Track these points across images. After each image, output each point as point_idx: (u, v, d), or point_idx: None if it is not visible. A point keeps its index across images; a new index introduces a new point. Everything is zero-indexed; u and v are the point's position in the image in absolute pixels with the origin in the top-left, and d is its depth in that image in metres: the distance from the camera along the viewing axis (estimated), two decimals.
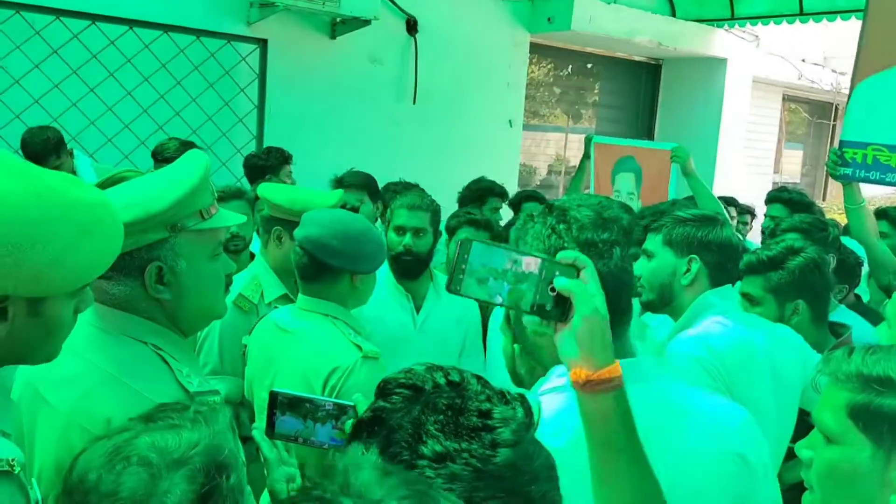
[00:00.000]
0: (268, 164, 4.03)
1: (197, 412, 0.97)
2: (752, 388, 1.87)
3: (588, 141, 4.56)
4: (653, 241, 2.04)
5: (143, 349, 1.29)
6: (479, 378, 0.85)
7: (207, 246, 1.35)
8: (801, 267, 2.17)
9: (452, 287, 1.03)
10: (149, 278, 1.28)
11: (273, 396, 1.25)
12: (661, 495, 1.06)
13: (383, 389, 0.83)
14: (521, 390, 1.00)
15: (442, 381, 0.82)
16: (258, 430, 1.29)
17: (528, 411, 0.84)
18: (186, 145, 3.47)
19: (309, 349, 1.98)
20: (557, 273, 1.03)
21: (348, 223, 2.08)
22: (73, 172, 3.42)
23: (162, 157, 3.45)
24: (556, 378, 1.19)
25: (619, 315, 1.15)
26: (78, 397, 1.22)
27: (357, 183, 3.79)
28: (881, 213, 3.89)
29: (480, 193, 3.97)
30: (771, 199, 4.04)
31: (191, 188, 1.28)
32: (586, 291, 1.02)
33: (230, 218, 1.39)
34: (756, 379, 1.89)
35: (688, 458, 1.17)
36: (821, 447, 1.20)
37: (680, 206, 2.59)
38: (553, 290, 1.02)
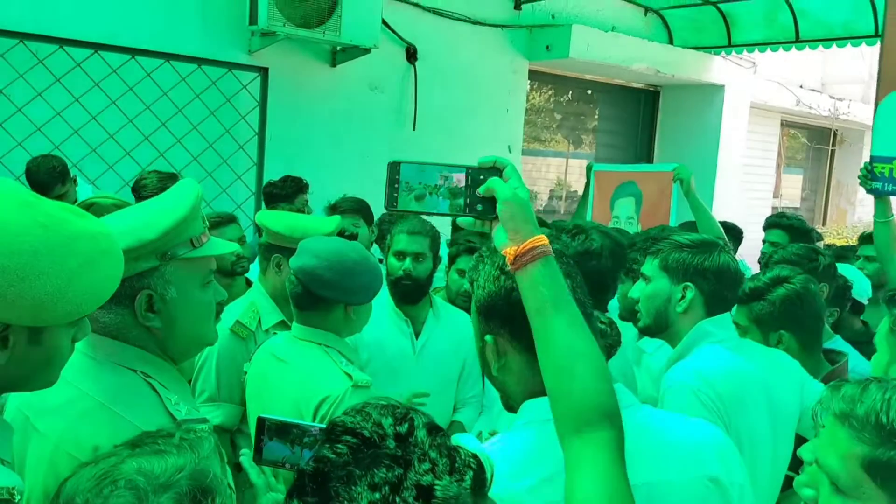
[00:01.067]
0: (283, 192, 4.05)
1: (182, 438, 0.97)
2: (749, 419, 1.85)
3: (589, 169, 4.59)
4: (650, 266, 2.03)
5: (132, 377, 1.29)
6: (430, 430, 0.81)
7: (198, 274, 1.36)
8: (781, 298, 2.16)
9: (388, 205, 1.16)
10: (139, 306, 1.28)
11: (260, 422, 1.25)
12: (595, 349, 1.10)
13: (331, 432, 0.81)
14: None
15: (390, 430, 0.79)
16: (245, 457, 1.29)
17: (479, 474, 0.79)
18: (166, 179, 3.40)
19: (300, 378, 1.98)
20: (482, 177, 1.15)
21: (343, 254, 2.07)
22: (76, 201, 3.43)
23: (139, 196, 3.36)
24: (527, 413, 1.19)
25: None
26: (66, 425, 1.22)
27: (352, 208, 3.81)
28: (868, 238, 3.91)
29: None
30: (770, 225, 4.04)
31: (182, 217, 1.28)
32: (502, 183, 1.13)
33: (221, 246, 1.40)
34: (752, 409, 1.87)
35: (658, 486, 1.17)
36: (827, 493, 1.14)
37: (674, 231, 2.58)
38: (479, 194, 1.14)
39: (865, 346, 2.79)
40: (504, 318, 1.19)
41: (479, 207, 1.15)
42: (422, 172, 1.15)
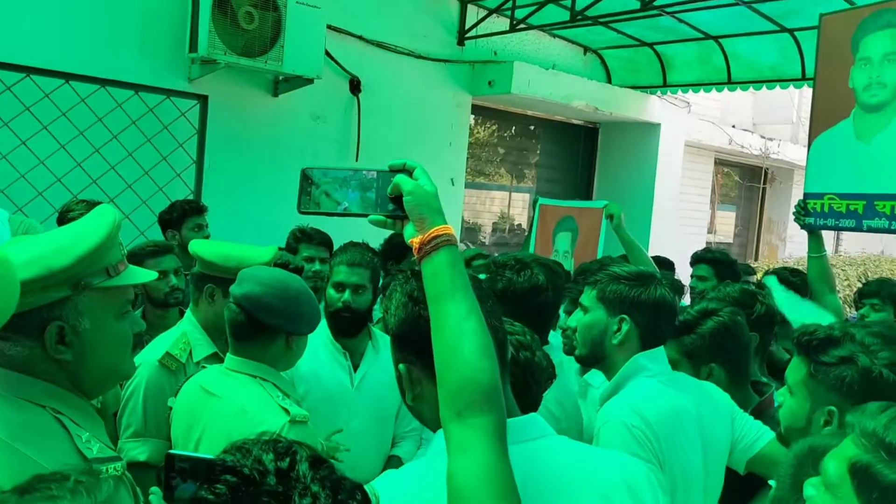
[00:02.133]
0: (171, 217, 3.93)
1: (77, 482, 0.91)
2: (682, 454, 1.85)
3: (535, 203, 4.70)
4: (588, 296, 2.03)
5: (39, 413, 1.22)
6: (313, 461, 0.80)
7: (114, 304, 1.30)
8: (711, 331, 2.19)
9: (302, 209, 1.20)
10: (49, 338, 1.22)
11: (170, 459, 1.19)
12: (484, 331, 1.10)
13: (210, 472, 0.79)
14: None
15: (271, 466, 0.77)
16: (155, 496, 1.23)
17: None
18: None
19: (235, 412, 1.92)
20: (392, 179, 1.19)
21: (287, 283, 2.05)
22: None
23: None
24: (440, 442, 1.18)
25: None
26: None
27: (324, 241, 3.77)
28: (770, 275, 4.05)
29: (404, 248, 3.93)
30: (696, 260, 4.16)
31: (96, 244, 1.23)
32: (407, 178, 1.17)
33: (140, 275, 1.34)
34: (685, 444, 1.87)
35: None
36: (822, 490, 1.18)
37: (612, 263, 2.60)
38: (388, 194, 1.19)
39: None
40: (415, 346, 1.17)
41: (390, 207, 1.19)
42: (333, 173, 1.20)
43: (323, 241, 3.75)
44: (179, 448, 2.04)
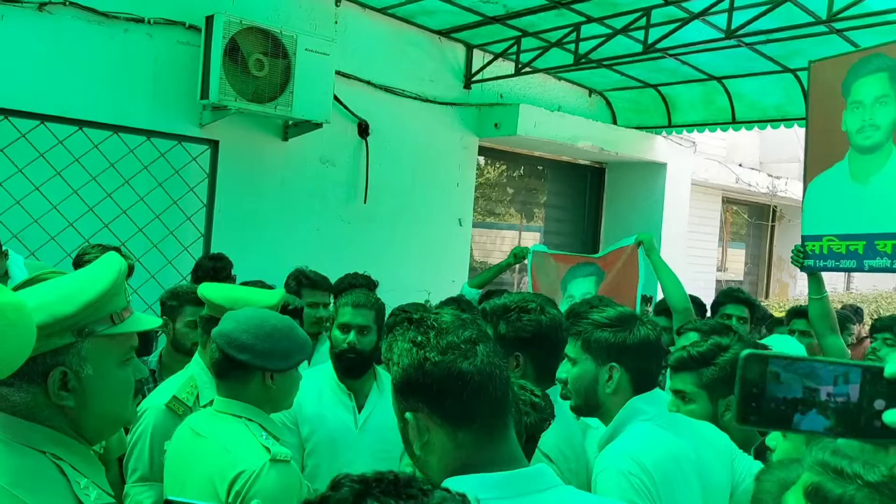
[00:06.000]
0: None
1: None
2: (680, 501, 1.82)
3: (527, 250, 4.74)
4: (573, 347, 2.00)
5: (39, 459, 1.23)
6: None
7: (118, 351, 1.31)
8: (731, 363, 2.15)
9: (741, 419, 0.88)
10: (52, 384, 1.23)
11: None
12: None
13: None
14: None
15: None
16: None
17: None
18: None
19: (217, 452, 1.92)
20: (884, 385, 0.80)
21: (265, 320, 2.05)
22: (6, 273, 3.32)
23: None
24: None
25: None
26: None
27: (328, 287, 3.79)
28: (800, 313, 4.02)
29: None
30: (734, 300, 4.10)
31: (101, 292, 1.25)
32: None
33: (144, 322, 1.36)
34: (684, 489, 1.84)
35: None
36: None
37: (592, 309, 2.56)
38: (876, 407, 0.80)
39: None
40: (421, 391, 1.17)
41: (878, 425, 0.80)
42: (790, 372, 0.85)
43: (328, 286, 3.77)
44: (168, 489, 2.05)
